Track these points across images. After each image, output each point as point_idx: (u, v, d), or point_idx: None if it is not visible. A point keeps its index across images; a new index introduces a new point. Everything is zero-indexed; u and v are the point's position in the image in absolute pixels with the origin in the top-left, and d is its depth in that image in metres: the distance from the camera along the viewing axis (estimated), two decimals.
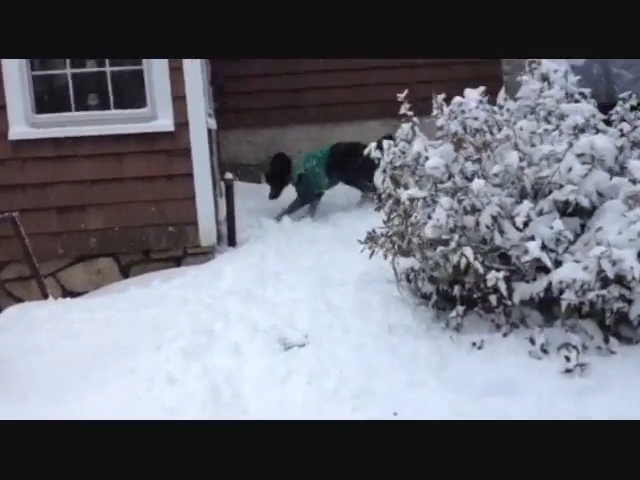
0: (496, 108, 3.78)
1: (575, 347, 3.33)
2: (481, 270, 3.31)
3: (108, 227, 5.89)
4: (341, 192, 7.22)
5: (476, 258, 3.29)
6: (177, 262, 6.03)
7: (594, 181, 3.62)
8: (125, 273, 5.99)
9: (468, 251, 3.29)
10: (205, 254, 6.00)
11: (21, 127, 5.69)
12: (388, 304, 4.02)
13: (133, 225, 5.92)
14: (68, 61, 5.79)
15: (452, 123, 3.65)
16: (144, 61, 5.72)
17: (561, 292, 3.42)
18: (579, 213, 3.68)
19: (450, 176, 3.55)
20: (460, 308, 3.59)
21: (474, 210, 3.44)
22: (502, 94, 4.11)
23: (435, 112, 3.81)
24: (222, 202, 6.39)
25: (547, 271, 3.38)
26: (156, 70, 5.70)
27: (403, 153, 3.98)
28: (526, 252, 3.31)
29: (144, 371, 3.62)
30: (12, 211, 5.39)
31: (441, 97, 3.79)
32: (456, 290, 3.57)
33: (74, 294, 5.84)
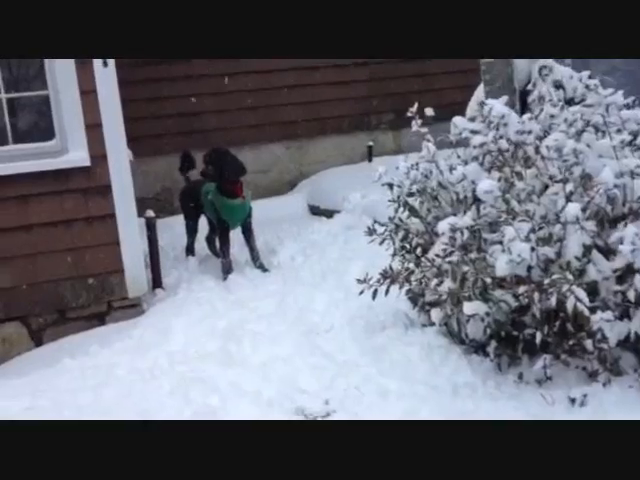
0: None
1: None
2: (587, 312, 2.85)
3: (13, 286, 4.88)
4: None
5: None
6: (100, 319, 5.12)
7: None
8: (38, 339, 4.99)
9: (580, 292, 2.80)
10: (134, 306, 5.16)
11: None
12: (429, 356, 3.39)
13: (44, 280, 4.95)
14: None
15: (500, 139, 3.18)
16: (49, 85, 4.79)
17: None
18: None
19: (506, 201, 3.05)
20: (548, 357, 3.02)
21: (550, 240, 3.01)
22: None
23: (462, 125, 3.31)
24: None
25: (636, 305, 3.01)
26: (64, 94, 4.79)
27: (426, 177, 3.48)
28: (624, 284, 2.90)
29: None
30: None
31: (488, 107, 3.28)
32: (538, 336, 2.98)
33: None
